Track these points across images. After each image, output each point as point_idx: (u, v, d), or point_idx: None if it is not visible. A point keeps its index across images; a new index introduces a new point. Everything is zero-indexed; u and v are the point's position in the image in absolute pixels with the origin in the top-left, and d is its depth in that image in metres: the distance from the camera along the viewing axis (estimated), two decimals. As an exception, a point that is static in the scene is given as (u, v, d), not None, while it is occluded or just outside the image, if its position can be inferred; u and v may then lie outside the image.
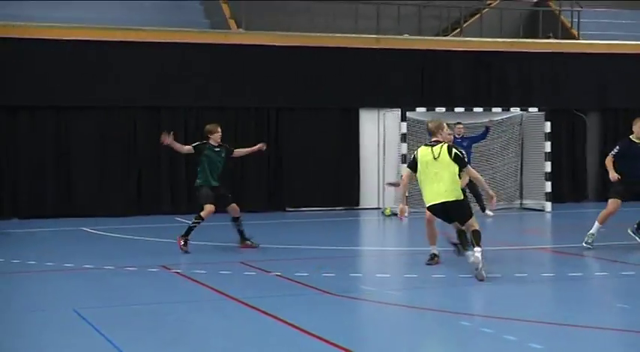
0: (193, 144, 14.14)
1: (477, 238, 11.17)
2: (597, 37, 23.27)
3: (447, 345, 8.08)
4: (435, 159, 11.49)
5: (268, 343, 8.09)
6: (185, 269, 11.98)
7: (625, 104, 22.97)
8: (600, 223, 13.56)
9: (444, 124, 11.91)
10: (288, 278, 11.21)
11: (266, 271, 11.81)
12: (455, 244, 12.40)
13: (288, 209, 20.47)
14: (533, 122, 20.76)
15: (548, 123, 20.30)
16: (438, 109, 20.01)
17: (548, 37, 23.11)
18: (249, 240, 14.04)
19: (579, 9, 23.68)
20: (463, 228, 11.55)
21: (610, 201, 13.62)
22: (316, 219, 19.12)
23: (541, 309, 9.67)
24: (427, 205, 11.64)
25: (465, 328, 8.61)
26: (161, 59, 19.58)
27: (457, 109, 20.06)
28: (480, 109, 20.22)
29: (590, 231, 13.55)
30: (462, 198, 11.55)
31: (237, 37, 20.31)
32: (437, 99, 20.86)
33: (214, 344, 8.12)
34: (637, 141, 13.76)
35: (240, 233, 14.05)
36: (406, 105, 19.87)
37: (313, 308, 9.59)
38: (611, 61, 22.63)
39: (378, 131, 20.96)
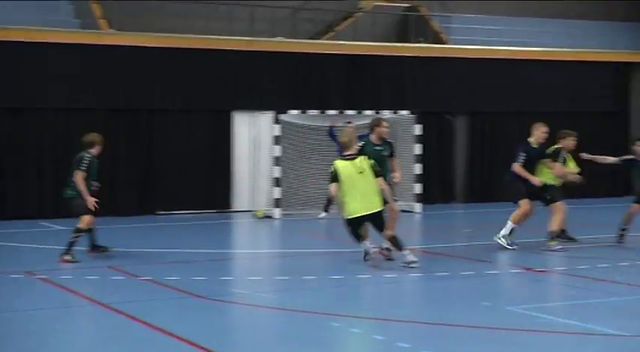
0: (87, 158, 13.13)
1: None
2: (466, 42, 23.81)
3: (316, 346, 8.10)
4: (359, 173, 11.94)
5: (135, 349, 7.94)
6: (50, 275, 11.64)
7: (492, 108, 23.62)
8: (515, 223, 13.90)
9: (355, 136, 12.33)
10: (158, 283, 11.05)
11: (135, 276, 11.61)
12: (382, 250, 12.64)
13: (159, 212, 20.19)
14: (404, 124, 21.09)
15: (419, 126, 20.68)
16: (311, 112, 20.13)
17: (419, 42, 23.53)
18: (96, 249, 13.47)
19: (449, 14, 24.20)
20: (390, 232, 12.15)
21: (522, 202, 13.92)
22: (188, 222, 18.92)
23: (410, 309, 9.82)
24: (352, 216, 11.98)
25: (335, 329, 8.66)
26: (29, 59, 19.05)
27: (330, 112, 20.20)
28: (353, 112, 20.41)
29: (502, 233, 13.83)
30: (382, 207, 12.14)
31: (110, 37, 19.92)
32: (310, 101, 20.96)
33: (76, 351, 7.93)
34: (536, 146, 14.15)
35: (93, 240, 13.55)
36: (279, 108, 19.90)
37: (183, 312, 9.48)
38: (479, 65, 23.22)
39: (251, 134, 20.91)
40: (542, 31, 25.60)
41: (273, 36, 22.03)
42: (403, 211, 20.49)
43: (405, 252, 12.08)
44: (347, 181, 11.89)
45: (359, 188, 11.90)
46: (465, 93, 23.22)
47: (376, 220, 12.11)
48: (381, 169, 12.36)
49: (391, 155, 12.98)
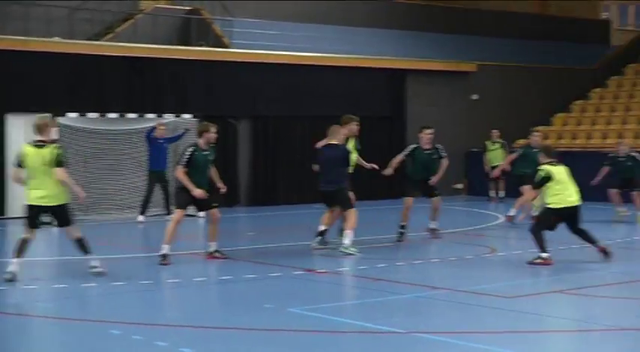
0: None
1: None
2: (248, 47, 23.98)
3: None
4: (43, 163, 11.33)
5: None
6: None
7: (274, 112, 23.92)
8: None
9: (51, 123, 11.92)
10: None
11: None
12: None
13: None
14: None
15: (201, 130, 20.59)
16: (90, 115, 19.64)
17: (201, 45, 23.47)
18: None
19: (230, 18, 24.28)
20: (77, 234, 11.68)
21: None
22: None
23: (193, 313, 9.75)
24: (29, 203, 11.48)
25: (115, 337, 8.47)
26: None
27: (110, 115, 19.80)
28: (134, 115, 20.09)
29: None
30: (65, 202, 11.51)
31: None
32: (89, 104, 20.45)
33: None
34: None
35: None
36: (57, 110, 19.24)
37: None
38: (261, 69, 23.45)
39: (27, 137, 20.07)
40: (322, 36, 26.20)
41: (50, 36, 21.32)
42: (188, 215, 20.42)
43: (90, 257, 11.66)
44: (30, 168, 11.38)
45: (39, 177, 11.37)
46: (247, 97, 23.38)
47: (57, 214, 11.58)
48: (205, 173, 13.04)
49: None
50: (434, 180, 15.34)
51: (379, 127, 25.57)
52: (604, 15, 39.02)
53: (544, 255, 12.49)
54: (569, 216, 12.79)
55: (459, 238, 15.91)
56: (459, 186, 26.94)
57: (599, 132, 26.69)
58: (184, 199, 13.17)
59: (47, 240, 17.20)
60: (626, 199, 18.94)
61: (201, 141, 13.23)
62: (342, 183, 13.98)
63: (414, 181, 15.50)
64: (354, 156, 14.59)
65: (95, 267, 11.62)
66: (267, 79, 23.55)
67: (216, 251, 13.28)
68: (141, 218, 19.07)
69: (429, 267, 12.78)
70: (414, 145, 15.57)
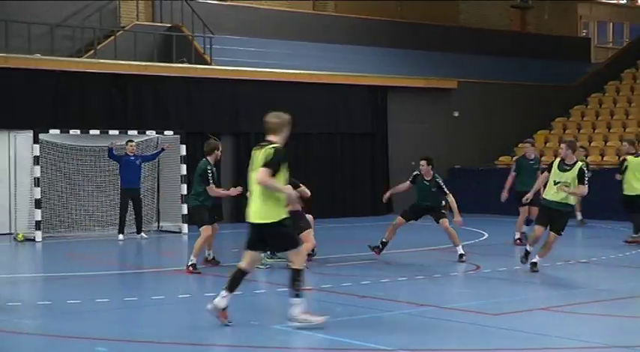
0: None
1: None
2: (229, 63, 24.06)
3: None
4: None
5: None
6: None
7: (256, 128, 23.89)
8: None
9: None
10: None
11: None
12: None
13: None
14: (169, 145, 20.93)
15: (184, 146, 20.64)
16: (72, 131, 19.61)
17: (182, 62, 23.53)
18: None
19: (211, 35, 24.35)
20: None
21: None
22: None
23: (176, 330, 9.73)
24: None
25: (102, 354, 8.48)
26: None
27: (92, 131, 19.77)
28: (116, 132, 20.06)
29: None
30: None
31: None
32: (71, 121, 20.45)
33: None
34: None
35: None
36: (39, 127, 19.22)
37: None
38: (242, 86, 23.52)
39: (9, 153, 20.08)
40: (304, 53, 26.34)
41: (30, 53, 21.32)
42: (170, 232, 20.46)
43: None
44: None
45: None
46: (229, 113, 23.45)
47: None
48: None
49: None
50: (457, 219, 14.92)
51: (361, 144, 25.69)
52: (583, 32, 39.46)
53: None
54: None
55: (442, 255, 15.97)
56: (442, 203, 27.01)
57: (581, 149, 26.86)
58: (207, 214, 13.76)
59: (31, 255, 17.17)
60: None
61: (210, 159, 13.90)
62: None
63: (414, 205, 15.48)
64: None
65: None
66: (248, 95, 23.62)
67: (193, 264, 13.40)
68: (121, 237, 19.07)
69: (415, 284, 12.82)
70: (417, 172, 15.45)
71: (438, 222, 15.18)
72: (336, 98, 25.36)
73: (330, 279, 13.02)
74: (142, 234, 19.34)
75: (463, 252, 14.91)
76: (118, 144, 19.50)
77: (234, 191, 13.90)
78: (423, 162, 15.17)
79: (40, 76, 20.70)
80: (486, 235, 19.50)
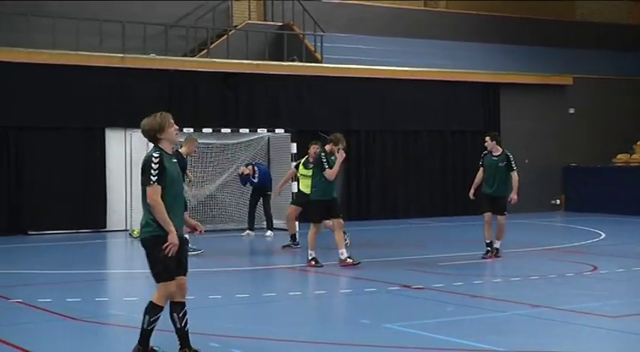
0: None
1: None
2: (339, 61, 24.12)
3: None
4: None
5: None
6: None
7: (366, 126, 23.97)
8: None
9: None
10: (30, 305, 10.72)
11: (6, 298, 11.24)
12: None
13: (30, 232, 19.65)
14: (280, 143, 21.12)
15: (294, 144, 20.70)
16: (186, 129, 19.92)
17: (293, 60, 23.70)
18: None
19: (322, 33, 24.44)
20: None
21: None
22: (61, 242, 18.48)
23: (287, 327, 9.76)
24: None
25: (215, 349, 8.56)
26: None
27: (205, 130, 20.06)
28: (228, 130, 20.34)
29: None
30: None
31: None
32: (184, 119, 20.75)
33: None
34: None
35: None
36: (153, 126, 19.63)
37: (56, 334, 9.23)
38: (351, 84, 23.55)
39: (125, 151, 20.61)
40: (414, 50, 26.20)
41: (146, 53, 21.80)
42: (283, 229, 20.52)
43: None
44: None
45: None
46: (339, 111, 23.50)
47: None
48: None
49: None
50: (514, 197, 14.85)
51: (472, 141, 25.38)
52: None
53: None
54: None
55: (557, 255, 15.66)
56: (557, 201, 26.56)
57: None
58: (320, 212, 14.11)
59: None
60: None
61: (327, 148, 14.21)
62: None
63: (484, 195, 15.22)
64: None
65: None
66: (358, 93, 23.65)
67: (314, 258, 13.84)
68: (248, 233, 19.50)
69: (528, 285, 12.59)
70: (485, 152, 15.30)
71: (496, 214, 14.86)
72: (447, 95, 25.16)
73: (442, 279, 12.90)
74: (269, 231, 19.50)
75: (498, 247, 15.01)
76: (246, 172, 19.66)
77: None
78: (487, 138, 15.12)
79: (154, 75, 21.15)
80: (603, 235, 19.02)
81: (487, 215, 14.87)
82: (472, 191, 15.34)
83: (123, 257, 17.80)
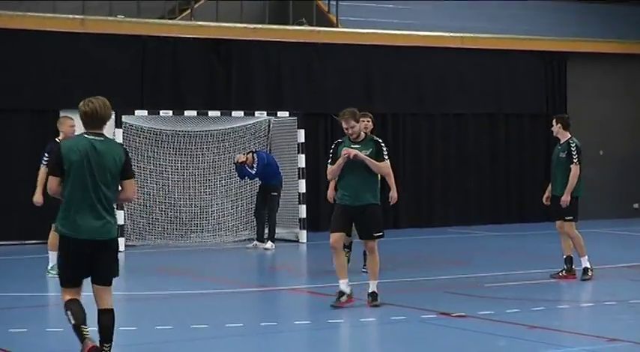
0: None
1: None
2: (358, 25, 24.06)
3: None
4: None
5: None
6: None
7: (394, 108, 23.89)
8: None
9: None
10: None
11: None
12: None
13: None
14: (284, 129, 21.09)
15: (302, 131, 20.70)
16: (163, 112, 19.94)
17: (301, 24, 23.66)
18: None
19: (339, -8, 24.39)
20: None
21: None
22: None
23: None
24: None
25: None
26: None
27: (188, 113, 20.04)
28: (217, 113, 20.29)
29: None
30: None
31: None
32: (161, 99, 20.84)
33: None
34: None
35: None
36: (122, 108, 19.61)
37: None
38: (375, 54, 23.50)
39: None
40: (454, 12, 26.07)
41: (112, 14, 21.82)
42: (286, 240, 20.58)
43: None
44: None
45: None
46: (359, 89, 23.46)
47: None
48: None
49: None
50: (565, 198, 14.69)
51: (531, 128, 25.34)
52: None
53: None
54: None
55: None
56: (638, 205, 26.53)
57: None
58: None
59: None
60: None
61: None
62: None
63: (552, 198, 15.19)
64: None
65: None
66: (383, 66, 23.60)
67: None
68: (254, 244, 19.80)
69: (603, 312, 12.56)
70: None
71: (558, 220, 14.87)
72: (498, 69, 25.13)
73: (492, 304, 12.88)
74: (270, 243, 19.53)
75: (588, 266, 14.75)
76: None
77: None
78: (553, 122, 15.17)
79: (123, 42, 21.18)
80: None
81: (557, 223, 14.84)
82: (546, 194, 15.22)
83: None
